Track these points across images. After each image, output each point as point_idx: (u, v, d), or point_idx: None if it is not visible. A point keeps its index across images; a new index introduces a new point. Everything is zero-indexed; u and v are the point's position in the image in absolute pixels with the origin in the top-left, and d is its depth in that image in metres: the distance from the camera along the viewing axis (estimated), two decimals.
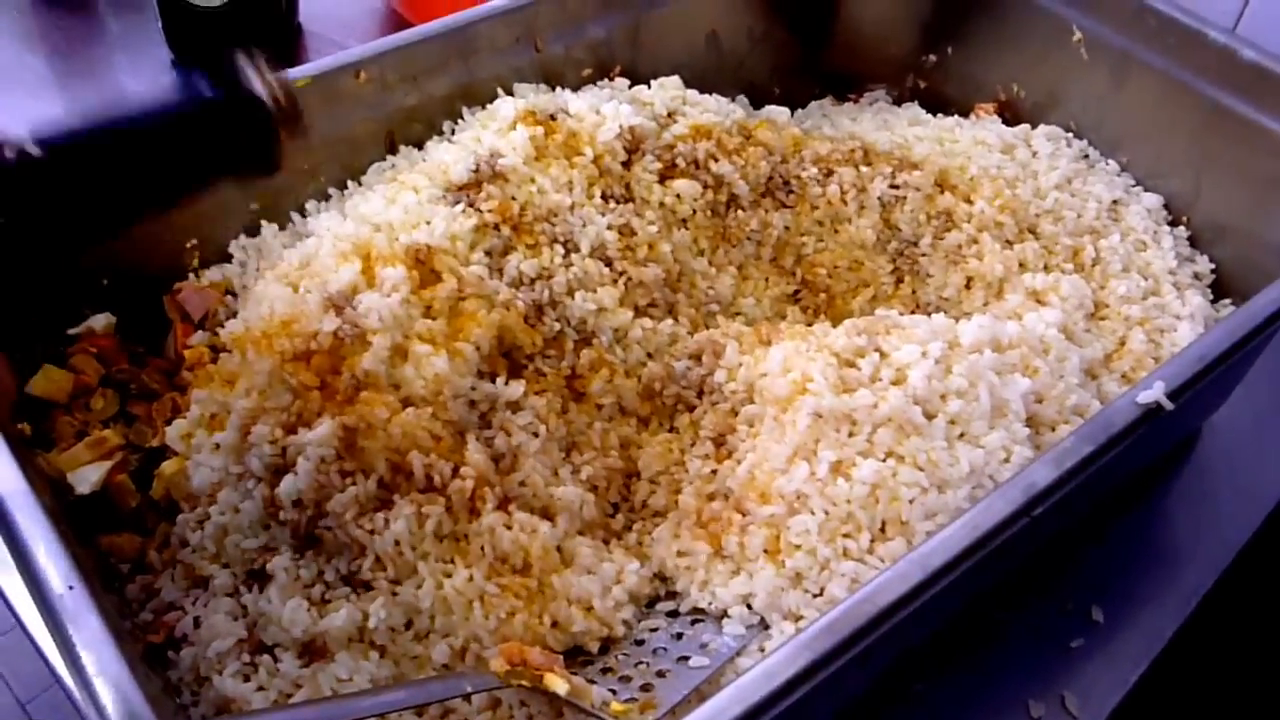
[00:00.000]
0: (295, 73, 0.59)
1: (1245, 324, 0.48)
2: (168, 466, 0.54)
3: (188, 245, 0.60)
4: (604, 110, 0.63)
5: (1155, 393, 0.46)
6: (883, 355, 0.55)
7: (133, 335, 0.58)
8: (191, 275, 0.60)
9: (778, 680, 0.37)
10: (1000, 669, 0.58)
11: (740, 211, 0.65)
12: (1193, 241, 0.70)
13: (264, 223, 0.62)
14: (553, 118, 0.62)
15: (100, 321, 0.57)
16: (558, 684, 0.48)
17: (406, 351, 0.54)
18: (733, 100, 0.75)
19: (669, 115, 0.66)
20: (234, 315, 0.58)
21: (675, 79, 0.69)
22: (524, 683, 0.48)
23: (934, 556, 0.40)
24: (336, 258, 0.56)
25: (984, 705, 0.56)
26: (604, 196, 0.61)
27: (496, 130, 0.62)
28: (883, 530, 0.51)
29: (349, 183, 0.63)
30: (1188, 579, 0.62)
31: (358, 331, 0.53)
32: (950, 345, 0.56)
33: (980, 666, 0.58)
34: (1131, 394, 0.46)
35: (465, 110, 0.65)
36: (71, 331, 0.56)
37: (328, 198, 0.63)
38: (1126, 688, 0.58)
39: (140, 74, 0.95)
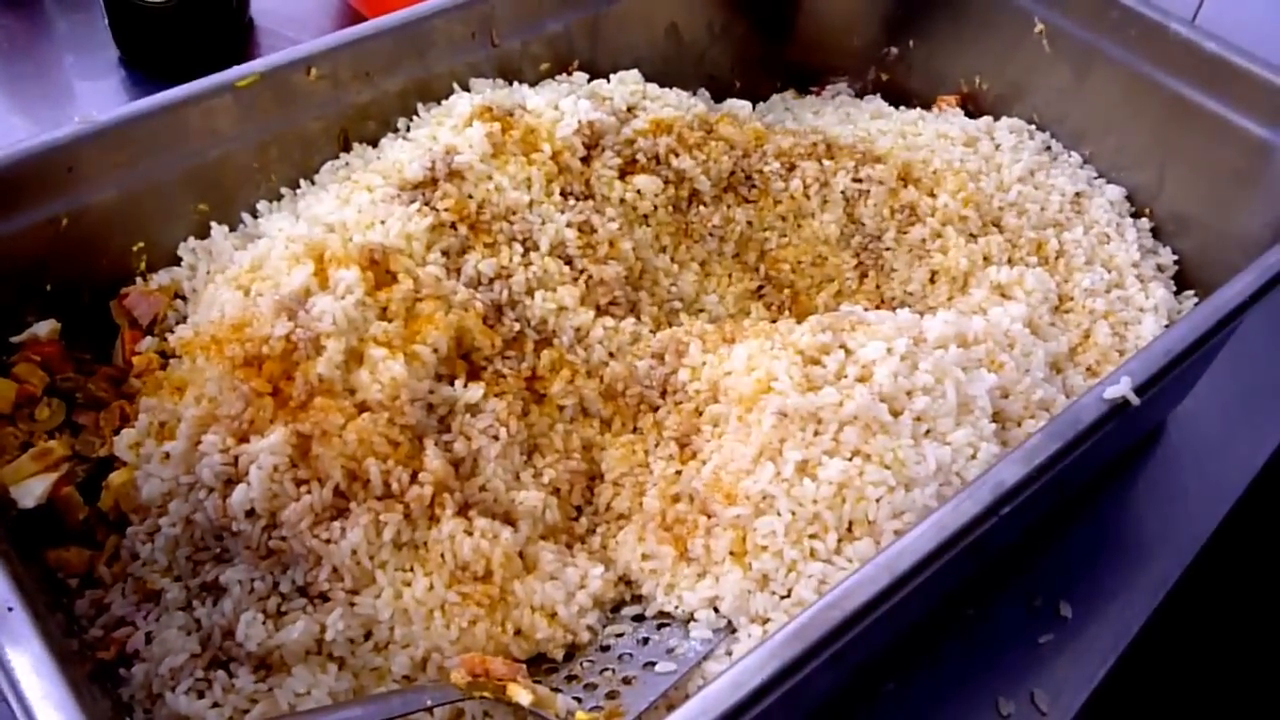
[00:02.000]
0: (243, 69, 0.57)
1: (1210, 318, 0.48)
2: (116, 477, 0.52)
3: (134, 248, 0.58)
4: (562, 106, 0.62)
5: (1123, 388, 0.45)
6: (848, 352, 0.54)
7: (78, 342, 0.56)
8: (139, 279, 0.59)
9: (745, 689, 0.36)
10: (970, 666, 0.57)
11: (702, 207, 0.64)
12: (1156, 234, 0.70)
13: (214, 224, 0.60)
14: (510, 114, 0.61)
15: (44, 328, 0.55)
16: (521, 694, 0.47)
17: (362, 355, 0.53)
18: (694, 94, 0.74)
19: (629, 110, 0.65)
20: (183, 320, 0.56)
21: (635, 73, 0.68)
22: (486, 694, 0.47)
23: (902, 559, 0.39)
24: (289, 260, 0.55)
25: (954, 702, 0.56)
26: (563, 194, 0.60)
27: (452, 127, 0.60)
28: (850, 530, 0.50)
29: (301, 182, 0.62)
30: (1155, 572, 0.62)
31: (311, 335, 0.51)
32: (916, 341, 0.55)
33: (950, 664, 0.57)
34: (1098, 389, 0.46)
35: (420, 107, 0.64)
36: (15, 339, 0.54)
37: (280, 198, 0.62)
38: (1094, 683, 0.57)
39: (89, 73, 0.93)
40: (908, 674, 0.57)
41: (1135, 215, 0.70)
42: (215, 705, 0.47)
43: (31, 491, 0.51)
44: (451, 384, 0.54)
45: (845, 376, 0.53)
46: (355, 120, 0.62)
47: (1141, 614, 0.60)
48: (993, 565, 0.60)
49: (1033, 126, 0.73)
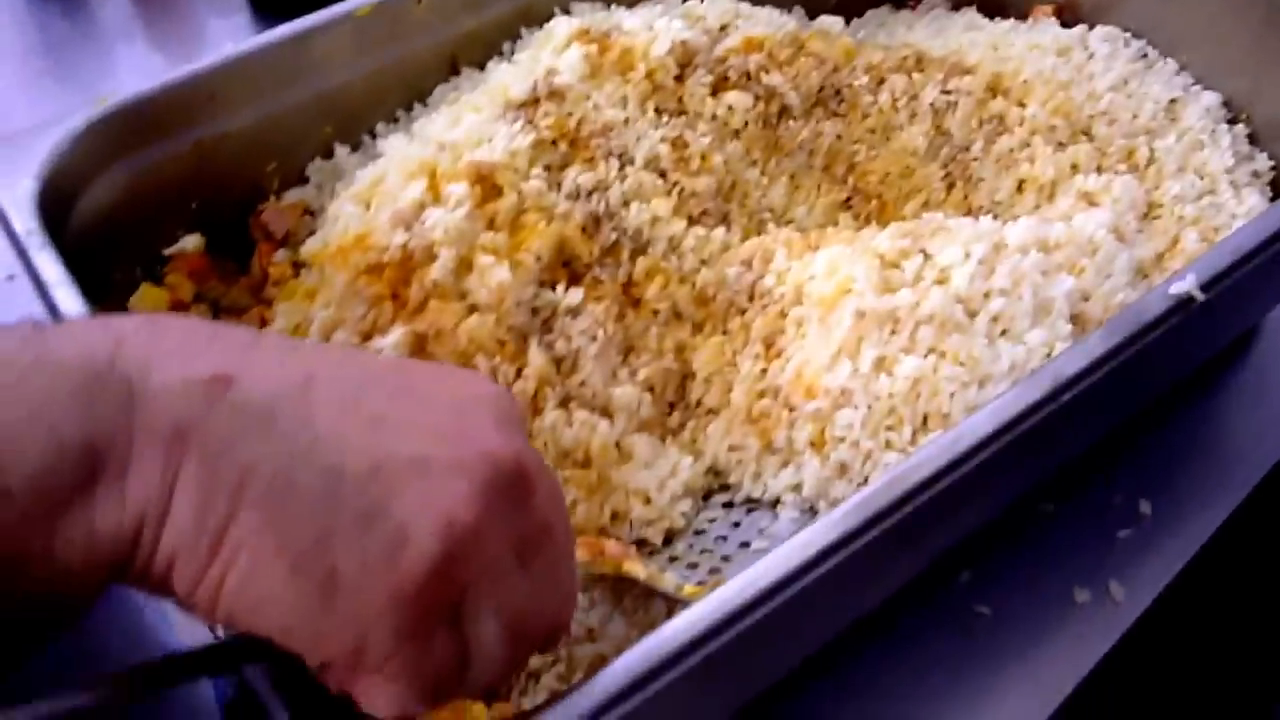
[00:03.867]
0: (358, 1, 0.62)
1: (1271, 223, 0.49)
2: None
3: (268, 169, 0.63)
4: (656, 26, 0.65)
5: (1187, 284, 0.47)
6: (926, 257, 0.57)
7: (222, 254, 0.62)
8: (273, 197, 0.64)
9: (813, 549, 0.40)
10: (1046, 557, 0.60)
11: (792, 122, 0.67)
12: (1252, 140, 0.69)
13: (337, 145, 0.65)
14: (607, 35, 0.64)
15: (191, 242, 0.61)
16: (637, 568, 0.51)
17: (471, 263, 0.57)
18: (788, 12, 0.76)
19: (721, 29, 0.68)
20: (313, 233, 0.62)
21: None
22: (606, 570, 0.52)
23: (960, 440, 0.42)
24: (404, 176, 0.59)
25: (1029, 589, 0.59)
26: (657, 110, 0.63)
27: (552, 49, 0.64)
28: (924, 423, 0.53)
29: (415, 105, 0.66)
30: (1237, 475, 0.63)
31: (425, 244, 0.56)
32: (996, 247, 0.57)
33: (1026, 555, 0.60)
34: (1164, 285, 0.48)
35: (525, 31, 0.68)
36: (166, 252, 0.60)
37: (396, 120, 0.66)
38: (1169, 578, 0.59)
39: (219, 11, 0.99)
40: (983, 564, 0.59)
41: (1231, 121, 0.70)
42: None
43: None
44: (553, 289, 0.59)
45: (923, 279, 0.55)
46: (463, 46, 0.66)
47: (1219, 515, 0.62)
48: (1073, 467, 0.62)
49: (1128, 34, 0.73)
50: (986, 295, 0.55)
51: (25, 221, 0.51)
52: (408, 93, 0.66)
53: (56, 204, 0.53)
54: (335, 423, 0.30)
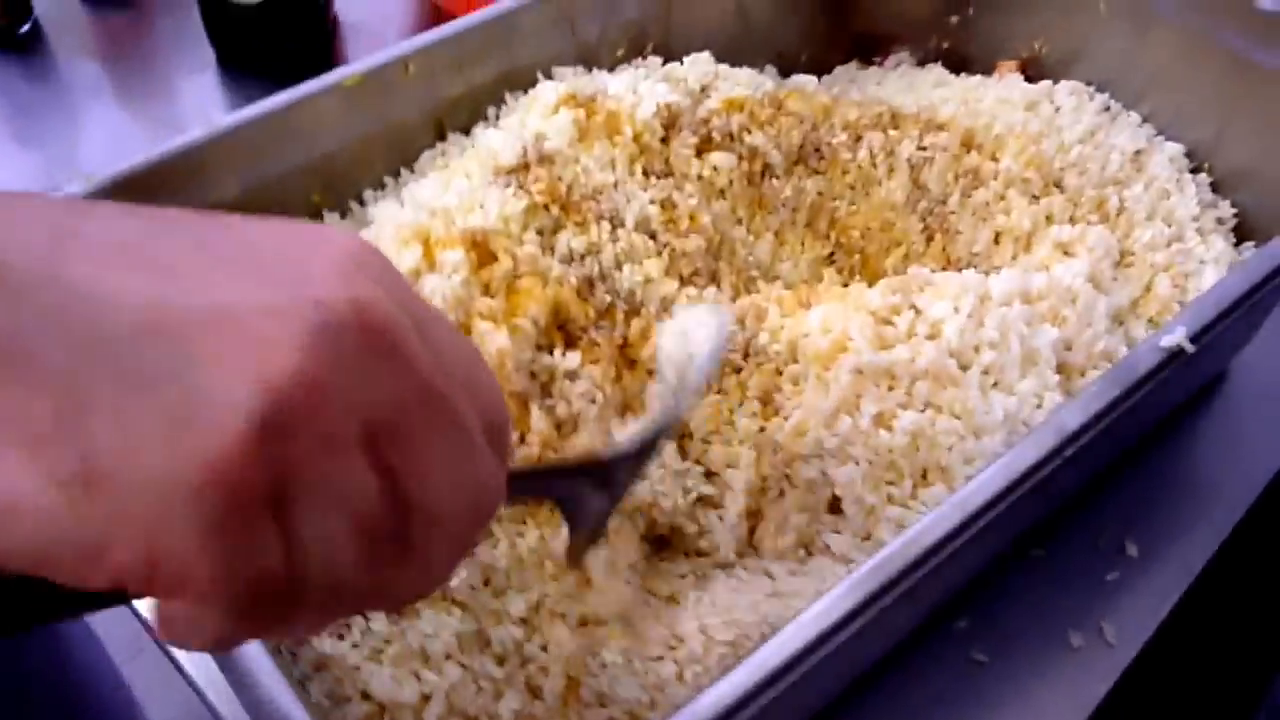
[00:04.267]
0: (347, 70, 0.62)
1: (1263, 267, 0.51)
2: None
3: None
4: (640, 89, 0.66)
5: (1177, 336, 0.49)
6: (917, 311, 0.58)
7: None
8: None
9: (832, 617, 0.41)
10: (1040, 602, 0.61)
11: (775, 179, 0.68)
12: (1215, 188, 0.72)
13: (325, 212, 0.65)
14: (592, 99, 0.65)
15: None
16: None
17: (469, 329, 0.57)
18: (761, 70, 0.78)
19: (702, 90, 0.69)
20: None
21: (706, 54, 0.72)
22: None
23: (973, 498, 0.43)
24: (398, 244, 0.59)
25: (1026, 636, 0.60)
26: (645, 172, 0.64)
27: (540, 114, 0.65)
28: (924, 477, 0.54)
29: (402, 170, 0.67)
30: (1217, 513, 0.65)
31: None
32: (981, 299, 0.59)
33: (1020, 601, 0.61)
34: (1155, 338, 0.49)
35: (509, 95, 0.68)
36: None
37: (384, 186, 0.67)
38: (1161, 617, 0.61)
39: (187, 70, 0.98)
40: (978, 611, 0.60)
41: (1194, 171, 0.72)
42: (355, 646, 0.53)
43: None
44: (551, 353, 0.59)
45: (916, 334, 0.57)
46: (449, 111, 0.67)
47: (1205, 553, 0.63)
48: (1059, 510, 0.64)
49: (1092, 88, 0.76)
50: (977, 348, 0.57)
51: None
52: (394, 158, 0.66)
53: None
54: (97, 276, 0.23)
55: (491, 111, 0.69)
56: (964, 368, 0.56)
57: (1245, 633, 0.78)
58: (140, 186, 0.58)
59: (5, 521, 0.22)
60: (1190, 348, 0.48)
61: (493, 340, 0.57)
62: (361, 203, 0.66)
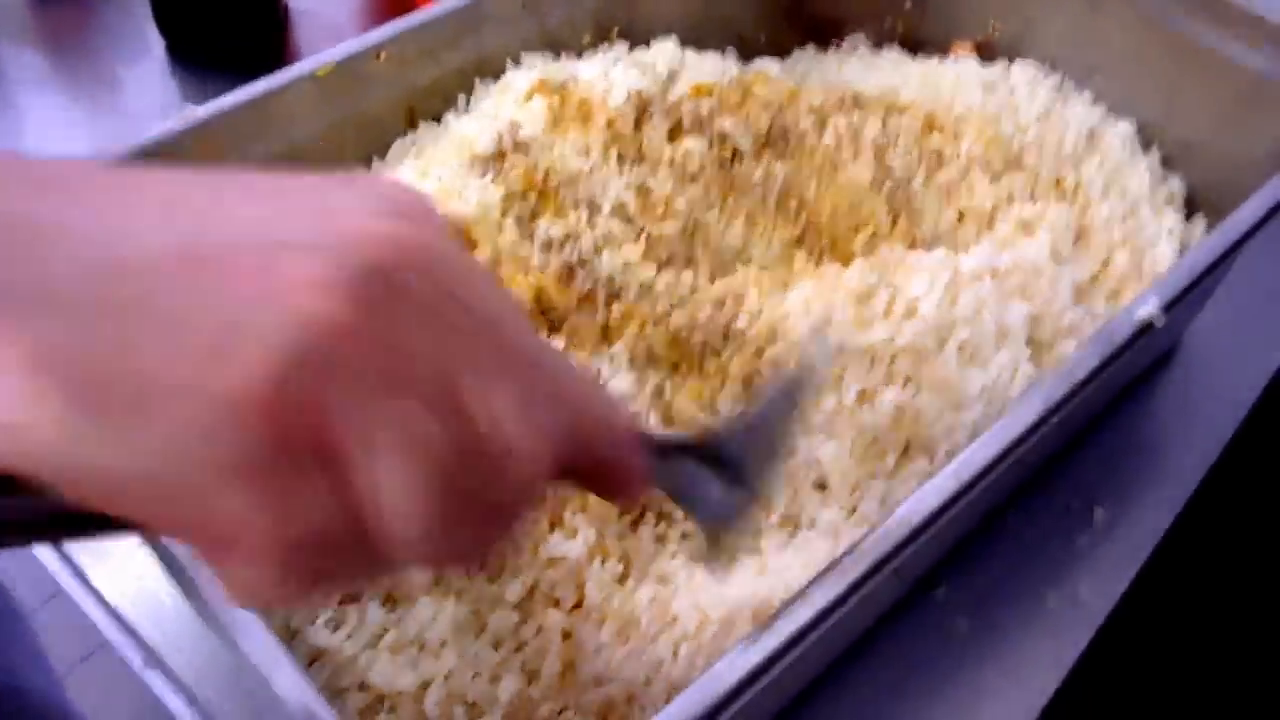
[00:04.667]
0: (320, 58, 0.62)
1: (1225, 240, 0.53)
2: None
3: None
4: (611, 76, 0.67)
5: (1151, 308, 0.51)
6: (895, 290, 0.59)
7: None
8: None
9: (847, 579, 0.42)
10: (1014, 566, 0.63)
11: (744, 164, 0.69)
12: (1166, 163, 0.74)
13: None
14: (564, 86, 0.66)
15: None
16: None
17: None
18: (724, 54, 0.78)
19: (670, 76, 0.70)
20: None
21: (672, 40, 0.72)
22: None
23: (966, 468, 0.45)
24: None
25: (1003, 599, 0.62)
26: (619, 159, 0.65)
27: (513, 101, 0.65)
28: (906, 452, 0.56)
29: (374, 159, 0.67)
30: (1179, 474, 0.68)
31: None
32: (953, 277, 0.60)
33: (995, 566, 0.63)
34: (1129, 310, 0.51)
35: (479, 82, 0.68)
36: None
37: None
38: (1130, 576, 0.63)
39: (132, 60, 0.97)
40: (956, 579, 0.62)
41: (1145, 147, 0.75)
42: (350, 637, 0.53)
43: None
44: None
45: (894, 312, 0.58)
46: (421, 98, 0.67)
47: (1169, 513, 0.66)
48: (1031, 476, 0.66)
49: (1045, 67, 0.78)
50: (953, 324, 0.58)
51: None
52: (367, 147, 0.66)
53: None
54: (127, 216, 0.22)
55: (462, 99, 0.68)
56: (941, 343, 0.58)
57: (1212, 589, 0.81)
58: None
59: (38, 450, 0.20)
60: (1162, 319, 0.50)
61: None
62: None
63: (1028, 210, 0.69)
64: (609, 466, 0.29)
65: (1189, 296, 0.51)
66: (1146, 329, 0.50)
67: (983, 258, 0.62)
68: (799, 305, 0.59)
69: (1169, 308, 0.51)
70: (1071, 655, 0.59)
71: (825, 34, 0.86)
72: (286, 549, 0.22)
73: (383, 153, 0.67)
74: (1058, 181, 0.72)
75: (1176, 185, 0.73)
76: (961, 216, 0.71)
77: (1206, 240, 0.53)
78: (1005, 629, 0.61)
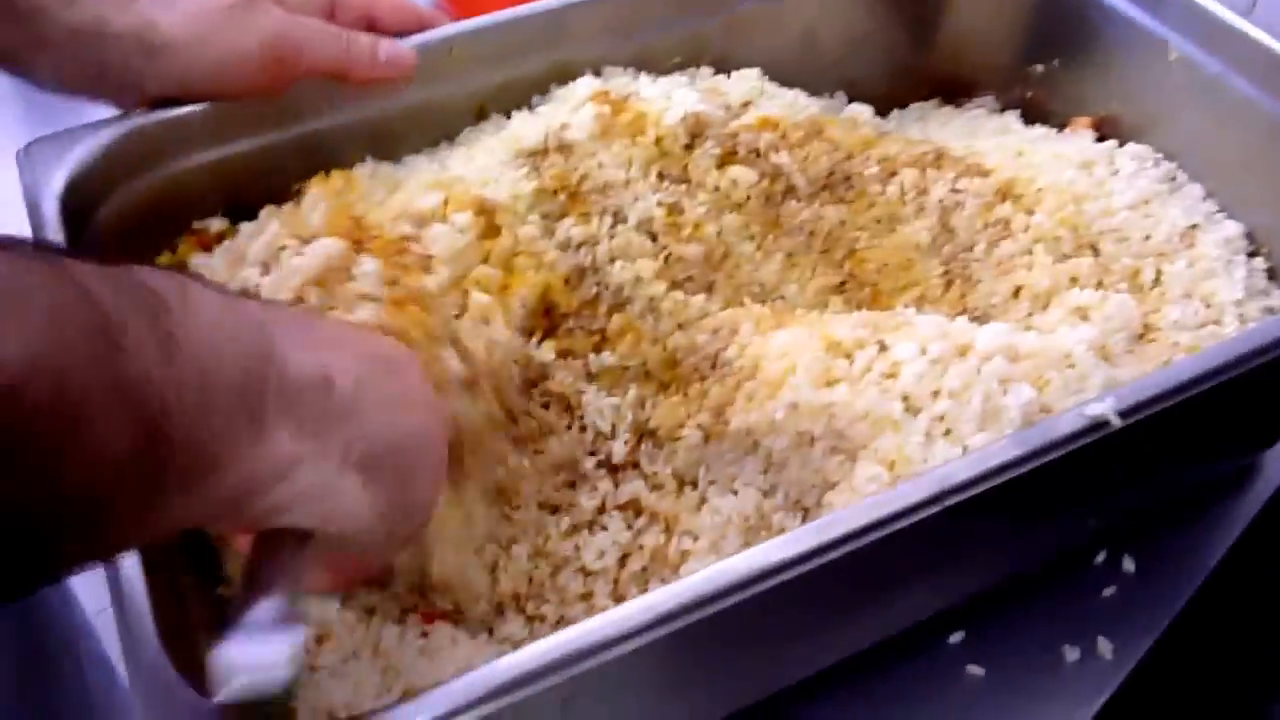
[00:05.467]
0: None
1: (1212, 360, 0.48)
2: None
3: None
4: (673, 96, 0.68)
5: (1105, 406, 0.47)
6: (882, 348, 0.57)
7: None
8: None
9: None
10: (1035, 617, 0.60)
11: (795, 202, 0.68)
12: (1271, 275, 0.68)
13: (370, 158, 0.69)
14: (624, 99, 0.67)
15: (215, 224, 0.64)
16: None
17: (464, 290, 0.59)
18: (831, 97, 0.78)
19: (743, 105, 0.70)
20: None
21: (755, 71, 0.72)
22: None
23: (829, 530, 0.43)
24: (423, 189, 0.62)
25: (1019, 649, 0.59)
26: (660, 176, 0.66)
27: (571, 106, 0.67)
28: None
29: (443, 143, 0.71)
30: (1217, 529, 0.64)
31: (424, 253, 0.58)
32: (959, 348, 0.57)
33: (1016, 614, 0.61)
34: (1083, 405, 0.48)
35: (555, 87, 0.71)
36: (195, 225, 0.64)
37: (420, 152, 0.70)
38: (1156, 634, 0.59)
39: None
40: (973, 625, 0.60)
41: (1252, 254, 0.68)
42: None
43: None
44: (529, 337, 0.61)
45: (871, 372, 0.56)
46: (493, 96, 0.70)
47: (1204, 569, 0.62)
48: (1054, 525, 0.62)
49: (1160, 155, 0.72)
50: (935, 394, 0.56)
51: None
52: (437, 131, 0.70)
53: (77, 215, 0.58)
54: (380, 408, 0.40)
55: (536, 100, 0.72)
56: (914, 412, 0.55)
57: (1242, 652, 0.74)
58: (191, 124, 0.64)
59: (361, 537, 0.41)
60: (1118, 422, 0.47)
61: (484, 332, 0.59)
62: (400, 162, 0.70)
63: (1086, 296, 0.65)
64: None
65: (1157, 409, 0.47)
66: (1097, 429, 0.47)
67: (1002, 334, 0.59)
68: (777, 348, 0.58)
69: (1129, 414, 0.47)
70: (1086, 714, 0.56)
71: (955, 95, 0.84)
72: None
73: (452, 137, 0.71)
74: (1134, 273, 0.67)
75: (1278, 300, 0.67)
76: (1017, 292, 0.67)
77: (1195, 356, 0.49)
78: (1020, 681, 0.58)
